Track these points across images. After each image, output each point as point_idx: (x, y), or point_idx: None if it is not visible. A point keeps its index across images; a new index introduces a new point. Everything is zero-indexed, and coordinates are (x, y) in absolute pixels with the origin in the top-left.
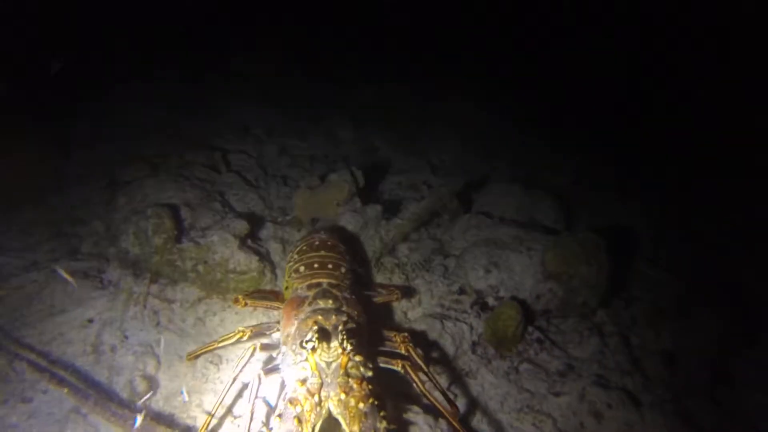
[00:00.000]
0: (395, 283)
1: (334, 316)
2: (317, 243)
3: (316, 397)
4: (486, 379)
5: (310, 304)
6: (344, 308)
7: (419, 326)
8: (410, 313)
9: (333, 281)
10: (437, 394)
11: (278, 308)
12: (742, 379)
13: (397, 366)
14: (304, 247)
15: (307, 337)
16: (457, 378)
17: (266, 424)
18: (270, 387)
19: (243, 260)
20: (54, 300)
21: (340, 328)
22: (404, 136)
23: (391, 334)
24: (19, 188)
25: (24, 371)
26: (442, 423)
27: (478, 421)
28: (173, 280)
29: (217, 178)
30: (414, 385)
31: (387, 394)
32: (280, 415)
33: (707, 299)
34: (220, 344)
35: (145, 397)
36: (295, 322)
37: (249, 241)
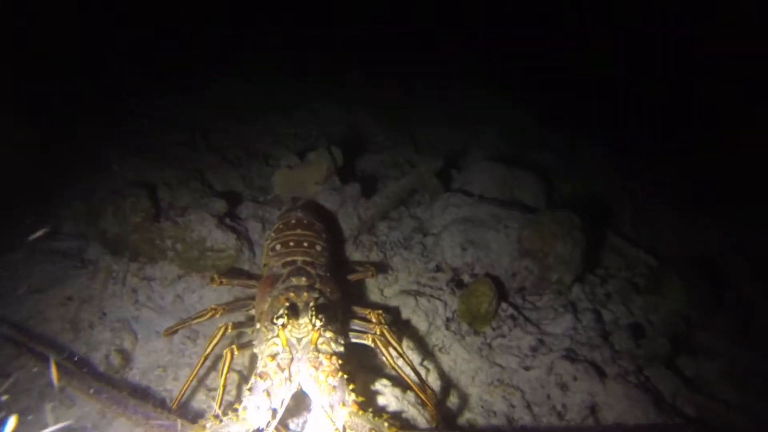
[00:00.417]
0: (373, 260)
1: (305, 293)
2: (293, 222)
3: (286, 372)
4: (459, 354)
5: (283, 282)
6: (317, 285)
7: (394, 303)
8: (386, 290)
9: (308, 259)
10: (407, 368)
11: (254, 286)
12: (704, 348)
13: (369, 340)
14: (281, 226)
15: (278, 313)
16: (430, 353)
17: (237, 396)
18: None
19: (220, 238)
20: (33, 279)
21: (311, 304)
22: (390, 115)
23: (366, 311)
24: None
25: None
26: (410, 395)
27: (448, 394)
28: (152, 259)
29: (197, 157)
30: (384, 359)
31: (357, 367)
32: (250, 389)
33: (679, 273)
34: (194, 322)
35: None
36: (269, 299)
37: (227, 220)
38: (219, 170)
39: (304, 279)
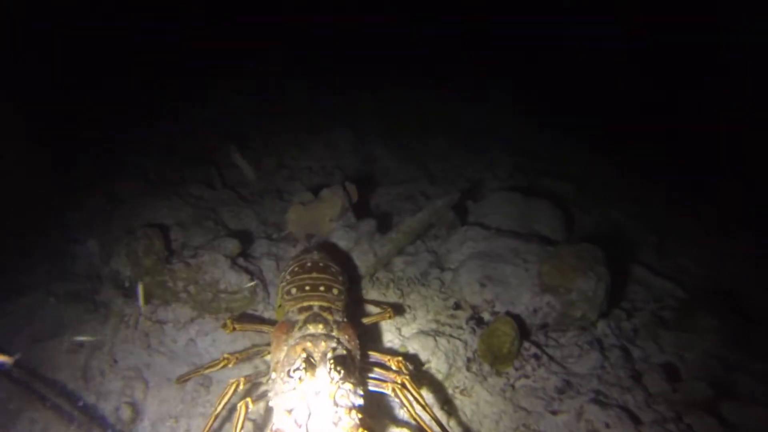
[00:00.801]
0: (390, 298)
1: (323, 343)
2: (309, 264)
3: (304, 428)
4: (481, 396)
5: (299, 329)
6: (334, 333)
7: (412, 344)
8: (404, 329)
9: (324, 304)
10: (429, 419)
11: (268, 332)
12: (746, 392)
13: (388, 390)
14: (296, 268)
15: (295, 366)
16: (451, 396)
17: None
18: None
19: (234, 280)
20: (45, 324)
21: (329, 355)
22: (404, 144)
23: (386, 358)
24: (18, 207)
25: None
26: None
27: None
28: (165, 301)
29: (212, 195)
30: (405, 409)
31: (378, 419)
32: None
33: (710, 309)
34: (206, 371)
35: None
36: (285, 348)
37: (241, 260)
38: (233, 207)
39: (321, 326)
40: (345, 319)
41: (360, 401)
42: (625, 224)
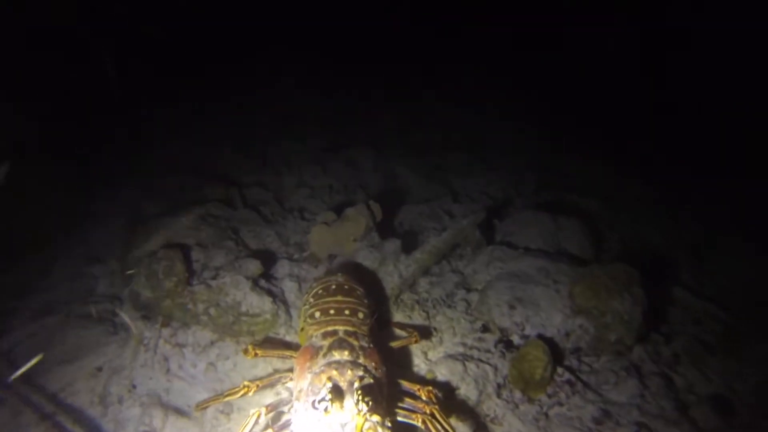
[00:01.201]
0: (416, 320)
1: (349, 371)
2: (334, 287)
3: None
4: (513, 425)
5: (324, 356)
6: (361, 360)
7: (440, 369)
8: (430, 353)
9: (350, 329)
10: None
11: (291, 357)
12: None
13: (418, 421)
14: (320, 291)
15: (320, 396)
16: (482, 425)
17: None
18: None
19: (256, 302)
20: (66, 347)
21: (356, 385)
22: (426, 161)
23: (415, 387)
24: (40, 228)
25: None
26: None
27: None
28: (185, 324)
29: (233, 215)
30: None
31: None
32: None
33: (759, 332)
34: (226, 398)
35: None
36: (309, 376)
37: (263, 281)
38: (254, 227)
39: (346, 353)
40: (371, 345)
41: None
42: (658, 242)
